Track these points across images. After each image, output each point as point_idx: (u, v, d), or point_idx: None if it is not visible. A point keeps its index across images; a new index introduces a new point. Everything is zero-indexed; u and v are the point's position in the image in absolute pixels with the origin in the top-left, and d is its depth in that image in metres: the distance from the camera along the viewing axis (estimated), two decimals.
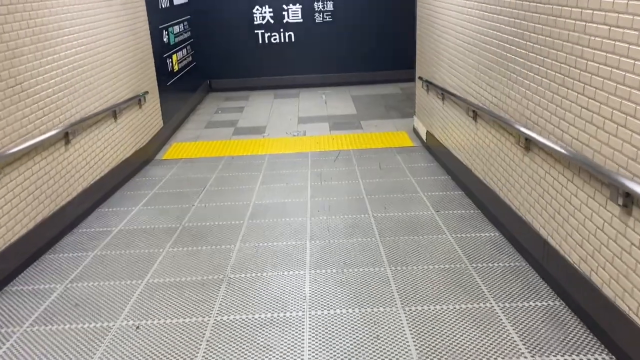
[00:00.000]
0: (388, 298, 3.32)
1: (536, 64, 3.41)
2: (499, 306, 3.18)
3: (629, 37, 2.45)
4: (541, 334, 2.91)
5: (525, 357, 2.74)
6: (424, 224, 4.39)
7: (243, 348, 2.91)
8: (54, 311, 3.35)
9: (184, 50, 9.15)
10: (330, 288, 3.47)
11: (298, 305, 3.28)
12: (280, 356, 2.82)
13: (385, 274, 3.62)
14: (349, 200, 5.02)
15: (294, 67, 10.88)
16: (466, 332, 2.96)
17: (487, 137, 4.39)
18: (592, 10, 2.76)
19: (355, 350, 2.84)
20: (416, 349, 2.83)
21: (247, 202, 5.06)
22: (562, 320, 3.03)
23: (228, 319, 3.18)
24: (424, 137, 6.68)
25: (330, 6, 10.54)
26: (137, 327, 3.14)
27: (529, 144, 3.58)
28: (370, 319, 3.10)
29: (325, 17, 10.61)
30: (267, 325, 3.10)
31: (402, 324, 3.05)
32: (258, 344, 2.93)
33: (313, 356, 2.81)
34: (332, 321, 3.10)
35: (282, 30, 10.67)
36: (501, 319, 3.05)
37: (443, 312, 3.15)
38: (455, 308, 3.18)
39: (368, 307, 3.23)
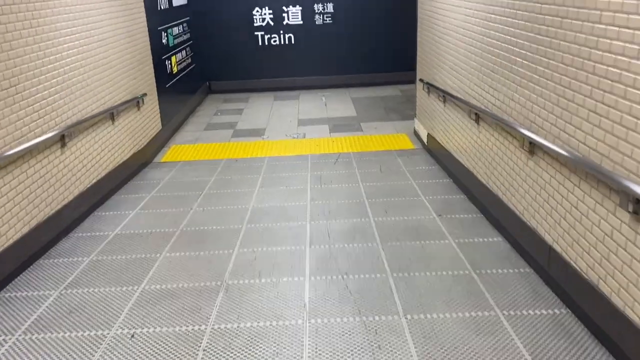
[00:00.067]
0: (390, 306, 3.24)
1: (541, 66, 3.33)
2: (503, 314, 3.10)
3: None
4: (547, 343, 2.83)
5: None
6: (426, 228, 4.32)
7: (241, 358, 2.83)
8: (47, 319, 3.27)
9: (183, 52, 9.08)
10: (330, 295, 3.39)
11: (297, 313, 3.20)
12: None
13: (386, 280, 3.54)
14: (349, 203, 4.94)
15: (293, 69, 10.81)
16: (470, 341, 2.88)
17: (490, 140, 4.31)
18: (600, 12, 2.68)
19: None
20: (419, 359, 2.75)
21: (246, 206, 4.98)
22: (568, 329, 2.95)
23: (225, 327, 3.10)
24: (425, 139, 6.61)
25: (330, 8, 10.48)
26: (133, 336, 3.06)
27: (533, 147, 3.51)
28: (372, 328, 3.02)
29: (325, 18, 10.54)
30: (266, 334, 3.01)
31: (404, 333, 2.97)
32: (256, 353, 2.85)
33: None
34: (333, 330, 3.02)
35: (282, 32, 10.60)
36: (506, 328, 2.97)
37: (446, 320, 3.07)
38: (458, 316, 3.10)
39: (369, 315, 3.15)
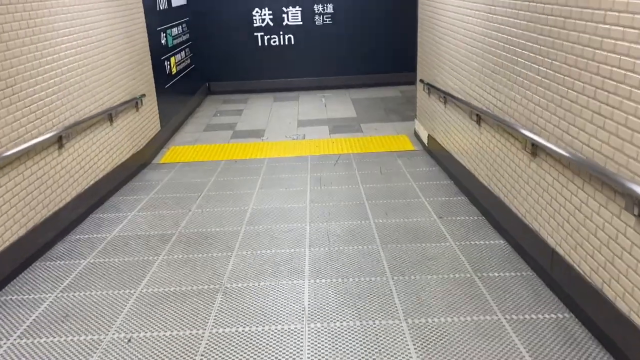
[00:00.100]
0: (390, 310, 3.19)
1: (543, 67, 3.29)
2: (505, 318, 3.06)
3: None
4: (550, 348, 2.79)
5: None
6: (427, 230, 4.27)
7: None
8: (43, 323, 3.22)
9: (183, 53, 9.03)
10: (330, 299, 3.35)
11: (297, 317, 3.16)
12: None
13: (387, 284, 3.49)
14: (349, 205, 4.90)
15: (293, 70, 10.77)
16: (472, 346, 2.83)
17: (492, 141, 4.27)
18: (604, 11, 2.64)
19: None
20: None
21: (245, 208, 4.94)
22: (572, 333, 2.90)
23: (224, 331, 3.06)
24: (425, 140, 6.56)
25: (330, 8, 10.44)
26: (129, 340, 3.01)
27: (535, 149, 3.46)
28: (372, 332, 2.98)
29: (325, 19, 10.50)
30: (265, 338, 2.97)
31: (405, 337, 2.93)
32: (255, 359, 2.81)
33: None
34: (332, 334, 2.98)
35: (281, 32, 10.56)
36: (508, 332, 2.93)
37: (448, 324, 3.03)
38: (460, 320, 3.06)
39: (370, 319, 3.10)
